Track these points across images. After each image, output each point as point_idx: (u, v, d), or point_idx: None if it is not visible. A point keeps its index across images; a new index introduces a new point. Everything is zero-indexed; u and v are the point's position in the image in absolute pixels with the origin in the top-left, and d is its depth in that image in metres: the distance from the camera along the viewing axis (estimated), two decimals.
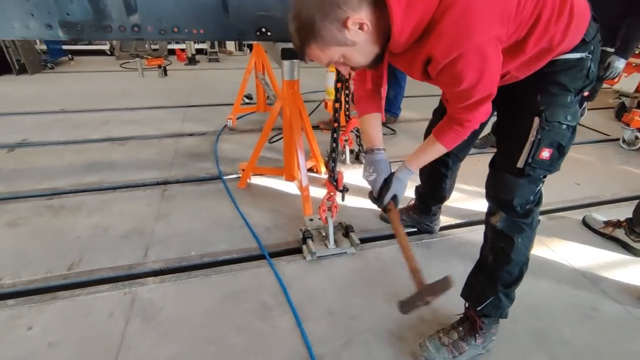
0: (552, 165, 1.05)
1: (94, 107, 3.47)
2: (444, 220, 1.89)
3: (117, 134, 2.89)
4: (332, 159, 1.66)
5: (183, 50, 5.63)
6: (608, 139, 3.17)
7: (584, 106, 2.38)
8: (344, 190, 1.70)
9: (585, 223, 1.95)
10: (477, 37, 0.78)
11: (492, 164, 1.15)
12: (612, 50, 2.10)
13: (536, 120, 1.00)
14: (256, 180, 2.30)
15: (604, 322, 1.39)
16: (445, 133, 1.06)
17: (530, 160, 1.03)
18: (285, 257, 1.67)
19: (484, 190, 1.19)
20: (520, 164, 1.05)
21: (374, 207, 2.04)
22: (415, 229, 1.87)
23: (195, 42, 5.62)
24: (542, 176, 1.08)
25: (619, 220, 1.81)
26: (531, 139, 1.02)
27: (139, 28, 1.66)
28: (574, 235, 1.88)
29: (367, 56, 0.90)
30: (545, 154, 1.03)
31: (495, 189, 1.13)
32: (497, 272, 1.15)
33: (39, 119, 3.15)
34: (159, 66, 4.61)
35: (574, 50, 0.96)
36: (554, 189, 2.31)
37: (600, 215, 1.93)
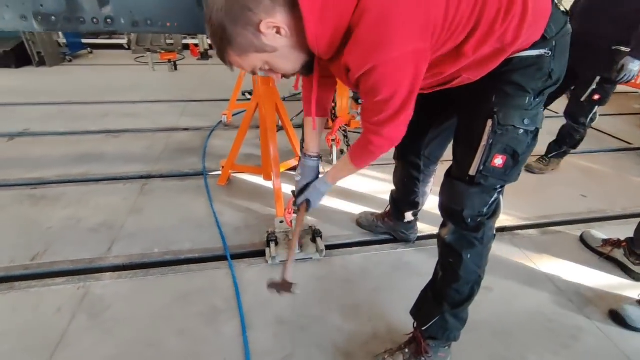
0: (506, 174, 0.93)
1: (99, 100, 3.56)
2: (423, 228, 1.77)
3: (113, 127, 2.93)
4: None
5: (197, 45, 5.68)
6: (628, 148, 2.90)
7: (594, 111, 2.16)
8: None
9: (582, 240, 1.77)
10: (392, 50, 0.70)
11: (448, 171, 1.04)
12: (628, 50, 1.89)
13: (489, 122, 0.89)
14: (238, 177, 2.26)
15: (581, 354, 1.24)
16: (356, 152, 1.00)
17: (481, 167, 0.92)
18: (248, 259, 1.61)
19: None
20: (472, 171, 0.94)
21: (352, 210, 1.98)
22: (391, 237, 1.76)
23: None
24: (496, 186, 0.96)
25: (619, 240, 1.63)
26: (483, 143, 0.90)
27: (112, 20, 1.64)
28: (567, 253, 1.71)
29: (294, 63, 0.83)
30: (498, 161, 0.91)
31: (447, 198, 1.02)
32: (445, 289, 1.04)
33: (45, 110, 3.25)
34: (169, 60, 4.65)
35: (532, 47, 0.84)
36: (555, 200, 2.14)
37: (600, 233, 1.75)
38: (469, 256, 1.00)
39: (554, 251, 1.72)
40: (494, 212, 1.00)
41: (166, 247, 1.66)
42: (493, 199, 0.97)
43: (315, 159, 1.21)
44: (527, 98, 0.88)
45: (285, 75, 0.89)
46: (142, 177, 2.24)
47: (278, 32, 0.74)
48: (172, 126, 3.01)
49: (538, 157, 2.46)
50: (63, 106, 3.37)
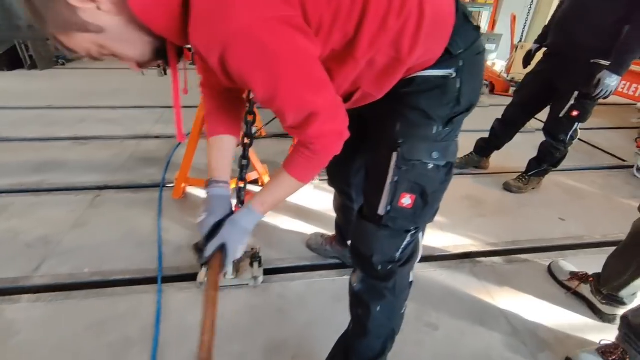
0: (417, 215, 0.80)
1: (79, 105, 3.52)
2: None
3: (84, 133, 2.88)
4: (240, 177, 1.48)
5: (190, 49, 5.66)
6: (622, 166, 2.71)
7: (574, 128, 2.00)
8: None
9: (550, 271, 1.62)
10: (239, 19, 0.54)
11: (360, 209, 0.92)
12: (607, 63, 1.74)
13: (393, 156, 0.77)
14: (195, 191, 2.16)
15: None
16: (295, 161, 0.75)
17: (389, 207, 0.80)
18: (180, 283, 1.51)
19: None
20: (380, 210, 0.81)
21: (305, 230, 1.86)
22: (341, 262, 1.64)
23: None
24: (408, 229, 0.83)
25: (586, 274, 1.48)
26: (388, 180, 0.78)
27: None
28: (531, 286, 1.56)
29: (138, 48, 0.66)
30: (406, 200, 0.79)
31: (355, 240, 0.90)
32: (354, 344, 0.92)
33: (23, 114, 3.23)
34: (158, 65, 4.61)
35: (436, 65, 0.72)
36: (529, 224, 1.98)
37: (569, 264, 1.59)
38: (378, 309, 0.87)
39: (516, 283, 1.57)
40: (409, 258, 0.87)
41: (98, 266, 1.57)
42: (406, 243, 0.85)
43: (225, 185, 0.89)
44: (434, 127, 0.76)
45: (142, 65, 0.72)
46: (98, 188, 2.17)
47: (100, 8, 0.58)
48: (144, 133, 2.94)
49: (518, 175, 2.31)
50: (42, 111, 3.34)
